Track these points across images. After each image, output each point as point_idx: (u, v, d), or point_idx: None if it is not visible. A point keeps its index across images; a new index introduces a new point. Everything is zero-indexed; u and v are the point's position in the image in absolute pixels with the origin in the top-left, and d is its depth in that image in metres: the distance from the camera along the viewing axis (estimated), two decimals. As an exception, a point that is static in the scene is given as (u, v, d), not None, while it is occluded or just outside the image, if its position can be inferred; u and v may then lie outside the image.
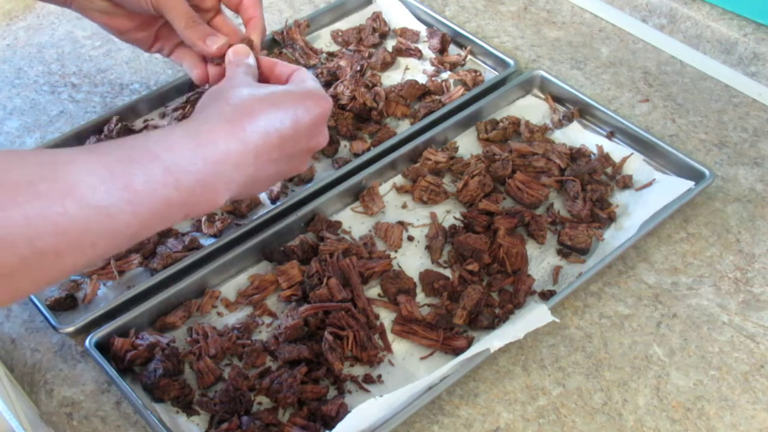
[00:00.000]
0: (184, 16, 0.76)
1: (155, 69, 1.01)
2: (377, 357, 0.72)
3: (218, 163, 0.59)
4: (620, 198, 0.85)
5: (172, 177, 0.56)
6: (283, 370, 0.69)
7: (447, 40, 1.01)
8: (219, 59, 0.76)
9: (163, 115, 0.94)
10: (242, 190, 0.64)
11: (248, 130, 0.61)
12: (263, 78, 0.74)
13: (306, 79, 0.69)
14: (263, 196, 0.85)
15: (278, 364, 0.71)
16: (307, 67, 0.99)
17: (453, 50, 1.02)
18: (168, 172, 0.56)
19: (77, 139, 0.89)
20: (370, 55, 1.00)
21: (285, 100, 0.65)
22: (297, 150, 0.67)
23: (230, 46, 0.75)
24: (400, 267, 0.79)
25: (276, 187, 0.84)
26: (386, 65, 1.00)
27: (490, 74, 0.99)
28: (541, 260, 0.80)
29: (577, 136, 0.92)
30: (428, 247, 0.81)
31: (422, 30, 1.04)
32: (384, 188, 0.87)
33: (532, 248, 0.81)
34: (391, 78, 0.99)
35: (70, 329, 0.72)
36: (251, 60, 0.73)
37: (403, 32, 1.04)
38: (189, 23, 0.76)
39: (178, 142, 0.58)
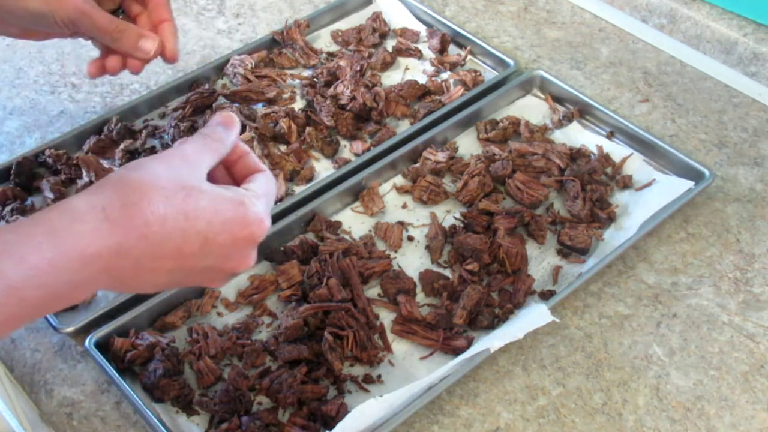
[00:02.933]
0: (106, 32, 0.74)
1: (155, 69, 1.01)
2: (377, 357, 0.72)
3: (79, 271, 0.50)
4: (620, 198, 0.85)
5: (16, 297, 0.48)
6: (283, 370, 0.69)
7: (447, 40, 1.01)
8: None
9: (163, 115, 0.94)
10: (114, 290, 0.57)
11: (130, 238, 0.51)
12: (225, 164, 0.61)
13: (258, 193, 0.57)
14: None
15: (278, 364, 0.71)
16: (307, 67, 1.00)
17: (453, 50, 1.02)
18: (11, 292, 0.48)
19: (77, 139, 0.89)
20: (370, 55, 1.00)
21: (203, 214, 0.53)
22: (203, 267, 0.56)
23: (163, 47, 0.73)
24: (400, 267, 0.79)
25: (279, 189, 0.84)
26: (386, 65, 1.00)
27: (490, 74, 0.99)
28: (541, 260, 0.80)
29: (577, 136, 0.92)
30: (428, 247, 0.81)
31: (422, 30, 1.04)
32: (384, 188, 0.87)
33: (532, 248, 0.81)
34: (391, 78, 0.99)
35: (70, 329, 0.72)
36: (230, 140, 0.60)
37: (403, 32, 1.04)
38: (114, 36, 0.74)
39: (32, 252, 0.49)
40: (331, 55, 1.01)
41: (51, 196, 0.83)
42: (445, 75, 0.99)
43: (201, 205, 0.53)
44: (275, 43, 1.02)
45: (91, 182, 0.83)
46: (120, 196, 0.51)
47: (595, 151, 0.89)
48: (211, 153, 0.58)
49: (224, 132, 0.59)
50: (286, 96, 0.96)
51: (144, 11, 0.79)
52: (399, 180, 0.88)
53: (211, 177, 0.58)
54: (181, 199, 0.53)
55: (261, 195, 0.57)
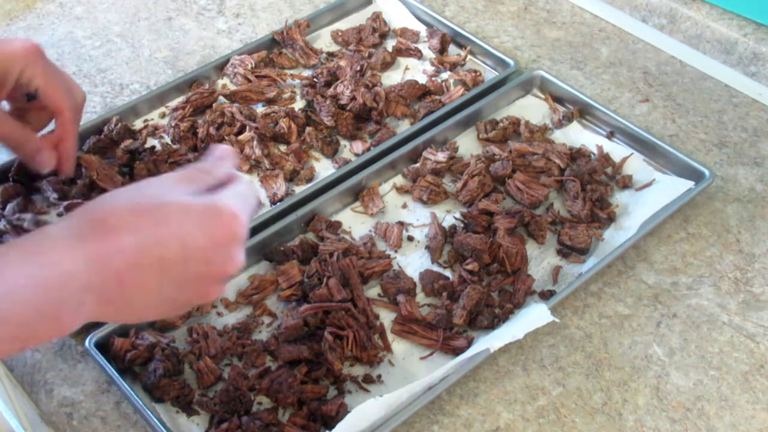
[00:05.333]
0: (8, 140, 0.76)
1: (155, 69, 1.01)
2: (377, 357, 0.72)
3: (59, 288, 0.49)
4: (620, 198, 0.85)
5: None
6: (283, 370, 0.69)
7: (447, 40, 1.01)
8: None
9: (163, 115, 0.94)
10: (109, 316, 0.55)
11: (105, 250, 0.50)
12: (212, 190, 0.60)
13: (227, 194, 0.56)
14: (263, 196, 0.85)
15: (278, 364, 0.71)
16: (307, 67, 1.00)
17: (453, 50, 1.02)
18: None
19: (77, 139, 0.89)
20: (370, 55, 1.00)
21: (175, 217, 0.53)
22: (191, 276, 0.54)
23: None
24: (400, 267, 0.79)
25: (278, 189, 0.84)
26: (386, 65, 1.00)
27: (490, 74, 0.99)
28: (541, 260, 0.80)
29: (577, 136, 0.92)
30: (428, 247, 0.81)
31: (422, 30, 1.04)
32: (384, 188, 0.87)
33: (532, 248, 0.81)
34: (391, 78, 0.99)
35: (70, 329, 0.72)
36: (220, 171, 0.58)
37: (403, 32, 1.04)
38: (15, 144, 0.76)
39: (8, 269, 0.49)
40: (331, 55, 1.01)
41: (54, 195, 0.83)
42: (445, 75, 0.99)
43: (169, 211, 0.53)
44: (275, 43, 1.02)
45: (92, 181, 0.83)
46: (86, 216, 0.52)
47: (595, 151, 0.89)
48: (189, 181, 0.56)
49: (213, 163, 0.59)
50: (286, 96, 0.96)
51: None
52: (399, 180, 0.88)
53: None
54: (147, 209, 0.53)
55: (230, 195, 0.56)
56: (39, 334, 0.50)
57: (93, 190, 0.83)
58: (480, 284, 0.76)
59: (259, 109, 0.93)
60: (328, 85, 0.95)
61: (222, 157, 0.59)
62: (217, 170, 0.58)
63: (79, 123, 0.81)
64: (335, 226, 0.82)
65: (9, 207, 0.82)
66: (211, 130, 0.89)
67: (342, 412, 0.66)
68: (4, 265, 0.49)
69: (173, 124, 0.89)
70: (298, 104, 0.95)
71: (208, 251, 0.54)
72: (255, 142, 0.87)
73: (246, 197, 0.57)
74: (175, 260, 0.53)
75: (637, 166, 0.88)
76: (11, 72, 0.73)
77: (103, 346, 0.71)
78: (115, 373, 0.69)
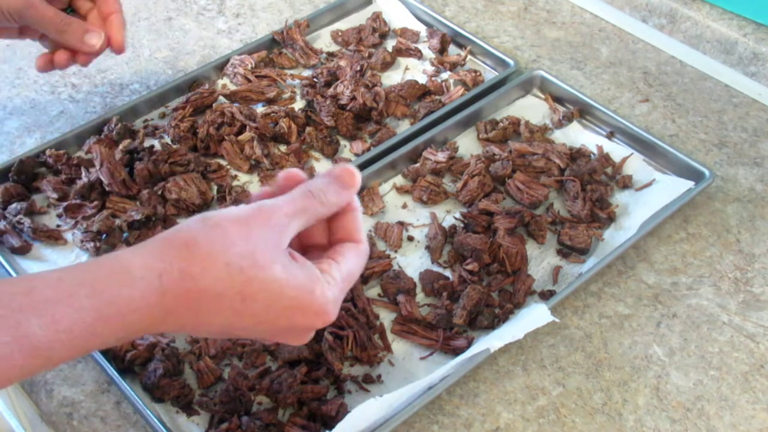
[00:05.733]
0: (52, 24, 0.74)
1: (155, 69, 1.01)
2: (377, 357, 0.72)
3: (117, 333, 0.48)
4: (620, 198, 0.85)
5: (41, 357, 0.46)
6: (283, 370, 0.69)
7: (447, 40, 1.01)
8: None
9: (163, 115, 0.94)
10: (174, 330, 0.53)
11: (181, 310, 0.49)
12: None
13: (335, 279, 0.53)
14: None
15: (278, 364, 0.71)
16: (307, 67, 1.00)
17: (453, 50, 1.02)
18: (35, 353, 0.46)
19: (77, 139, 0.89)
20: (370, 55, 1.00)
21: (263, 299, 0.50)
22: (250, 336, 0.55)
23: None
24: (400, 267, 0.79)
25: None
26: (386, 65, 1.00)
27: (490, 74, 0.99)
28: (541, 260, 0.80)
29: (577, 136, 0.92)
30: (428, 247, 0.81)
31: (422, 30, 1.04)
32: (384, 188, 0.87)
33: (532, 248, 0.81)
34: (391, 78, 0.99)
35: (70, 329, 0.72)
36: (338, 201, 0.55)
37: (403, 32, 1.04)
38: (60, 28, 0.74)
39: (69, 315, 0.46)
40: (331, 55, 1.01)
41: (54, 195, 0.83)
42: (445, 75, 0.99)
43: (264, 290, 0.49)
44: (275, 43, 1.02)
45: (98, 179, 0.83)
46: (181, 265, 0.48)
47: (595, 151, 0.89)
48: (306, 216, 0.53)
49: (335, 193, 0.54)
50: (286, 96, 0.96)
51: (93, 7, 0.80)
52: (399, 180, 0.88)
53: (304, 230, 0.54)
54: (245, 279, 0.49)
55: (339, 280, 0.53)
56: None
57: (93, 190, 0.83)
58: (480, 284, 0.76)
59: (259, 109, 0.93)
60: (328, 85, 0.95)
61: (345, 182, 0.55)
62: (336, 199, 0.54)
63: None
64: (335, 226, 0.82)
65: (10, 208, 0.82)
66: (211, 130, 0.89)
67: (342, 412, 0.66)
68: (67, 306, 0.46)
69: (173, 124, 0.89)
70: (298, 104, 0.95)
71: (280, 331, 0.53)
72: (255, 142, 0.87)
73: (354, 275, 0.55)
74: (243, 327, 0.51)
75: (637, 166, 0.88)
76: None
77: (103, 346, 0.71)
78: (115, 373, 0.69)
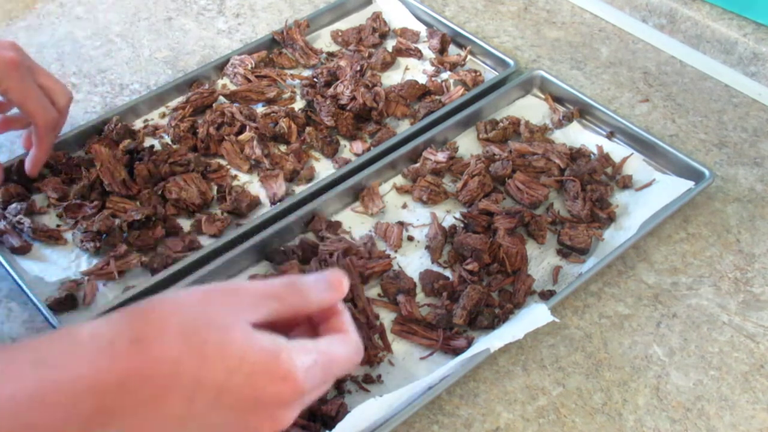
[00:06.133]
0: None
1: (155, 69, 1.01)
2: (377, 357, 0.72)
3: (67, 406, 0.43)
4: (620, 198, 0.85)
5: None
6: (283, 370, 0.69)
7: (447, 40, 1.01)
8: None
9: (163, 115, 0.94)
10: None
11: (135, 378, 0.44)
12: (314, 322, 0.52)
13: (307, 348, 0.47)
14: (263, 196, 0.85)
15: (278, 364, 0.71)
16: (307, 67, 1.00)
17: (453, 50, 1.02)
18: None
19: (77, 139, 0.89)
20: (370, 55, 1.00)
21: (224, 362, 0.45)
22: (220, 422, 0.47)
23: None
24: (400, 267, 0.79)
25: (279, 189, 0.84)
26: (386, 65, 1.00)
27: (490, 74, 0.99)
28: (541, 260, 0.80)
29: (577, 136, 0.92)
30: (428, 247, 0.81)
31: (422, 30, 1.04)
32: (384, 188, 0.87)
33: (532, 248, 0.81)
34: (391, 78, 0.99)
35: (70, 329, 0.72)
36: (320, 299, 0.50)
37: (403, 32, 1.04)
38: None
39: (10, 382, 0.43)
40: (331, 55, 1.01)
41: (54, 195, 0.83)
42: (445, 75, 0.99)
43: (225, 351, 0.45)
44: (275, 43, 1.02)
45: (98, 177, 0.83)
46: (132, 329, 0.45)
47: (595, 151, 0.89)
48: (279, 305, 0.48)
49: (318, 291, 0.50)
50: (286, 96, 0.96)
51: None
52: (399, 180, 0.88)
53: (289, 334, 0.49)
54: (201, 340, 0.45)
55: (313, 351, 0.47)
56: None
57: (93, 190, 0.83)
58: (480, 284, 0.76)
59: (259, 109, 0.93)
60: (328, 85, 0.95)
61: (332, 284, 0.51)
62: (317, 296, 0.50)
63: (60, 128, 0.83)
64: (335, 226, 0.82)
65: (10, 208, 0.82)
66: (211, 130, 0.89)
67: (342, 412, 0.66)
68: (9, 373, 0.43)
69: (173, 124, 0.89)
70: (298, 104, 0.95)
71: (247, 405, 0.46)
72: (255, 142, 0.87)
73: (332, 356, 0.48)
74: (206, 404, 0.45)
75: (637, 166, 0.88)
76: None
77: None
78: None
